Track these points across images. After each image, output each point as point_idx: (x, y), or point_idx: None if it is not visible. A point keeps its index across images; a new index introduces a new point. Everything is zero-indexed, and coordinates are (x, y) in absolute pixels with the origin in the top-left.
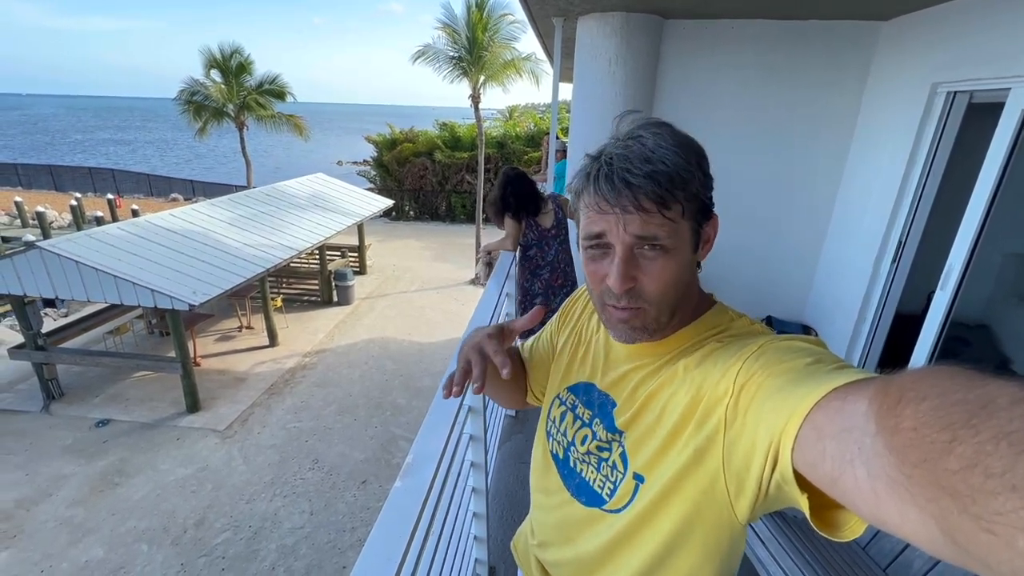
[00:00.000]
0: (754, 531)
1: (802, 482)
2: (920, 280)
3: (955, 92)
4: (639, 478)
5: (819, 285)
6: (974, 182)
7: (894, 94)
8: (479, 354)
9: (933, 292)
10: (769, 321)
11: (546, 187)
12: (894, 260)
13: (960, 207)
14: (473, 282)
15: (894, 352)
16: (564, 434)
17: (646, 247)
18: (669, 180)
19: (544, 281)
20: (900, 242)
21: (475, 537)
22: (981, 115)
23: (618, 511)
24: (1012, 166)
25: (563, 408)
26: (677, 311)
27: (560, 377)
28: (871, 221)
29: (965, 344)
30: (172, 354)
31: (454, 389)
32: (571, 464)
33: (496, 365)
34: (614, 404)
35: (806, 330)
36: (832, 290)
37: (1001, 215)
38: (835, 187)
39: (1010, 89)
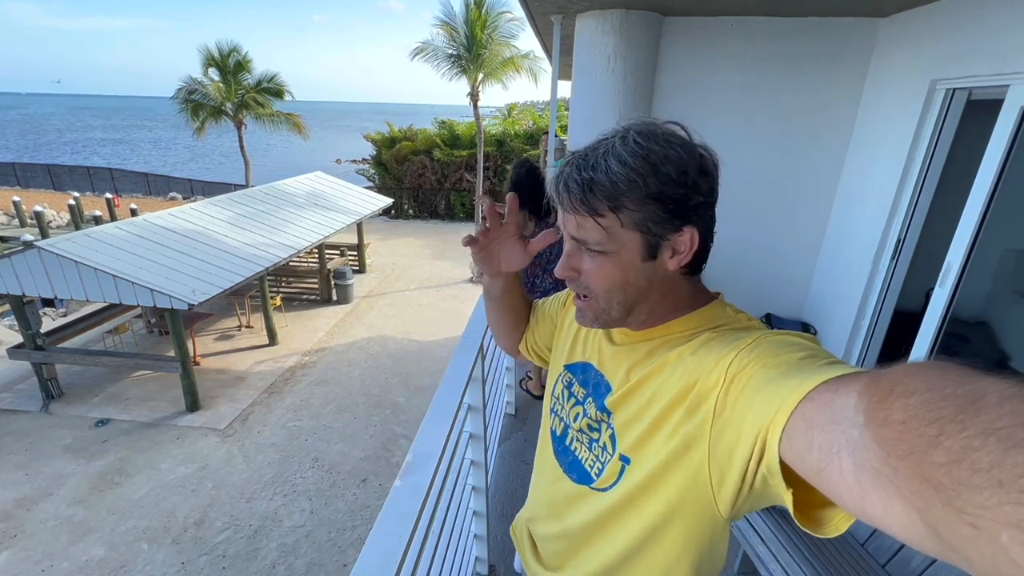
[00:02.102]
0: (754, 529)
1: (788, 476)
2: (919, 277)
3: (954, 89)
4: (625, 459)
5: (818, 282)
6: (973, 179)
7: (893, 91)
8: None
9: (932, 289)
10: (768, 318)
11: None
12: (893, 257)
13: (959, 204)
14: (472, 280)
15: (893, 349)
16: (564, 410)
17: (584, 247)
18: (604, 190)
19: (554, 276)
20: (899, 239)
21: (475, 535)
22: (980, 112)
23: (605, 490)
24: (1011, 163)
25: (562, 386)
26: (640, 310)
27: (563, 356)
28: (870, 218)
29: (964, 341)
30: (171, 353)
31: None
32: (567, 442)
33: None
34: (608, 386)
35: (805, 327)
36: (831, 287)
37: (1000, 212)
38: (834, 184)
39: (1008, 86)
